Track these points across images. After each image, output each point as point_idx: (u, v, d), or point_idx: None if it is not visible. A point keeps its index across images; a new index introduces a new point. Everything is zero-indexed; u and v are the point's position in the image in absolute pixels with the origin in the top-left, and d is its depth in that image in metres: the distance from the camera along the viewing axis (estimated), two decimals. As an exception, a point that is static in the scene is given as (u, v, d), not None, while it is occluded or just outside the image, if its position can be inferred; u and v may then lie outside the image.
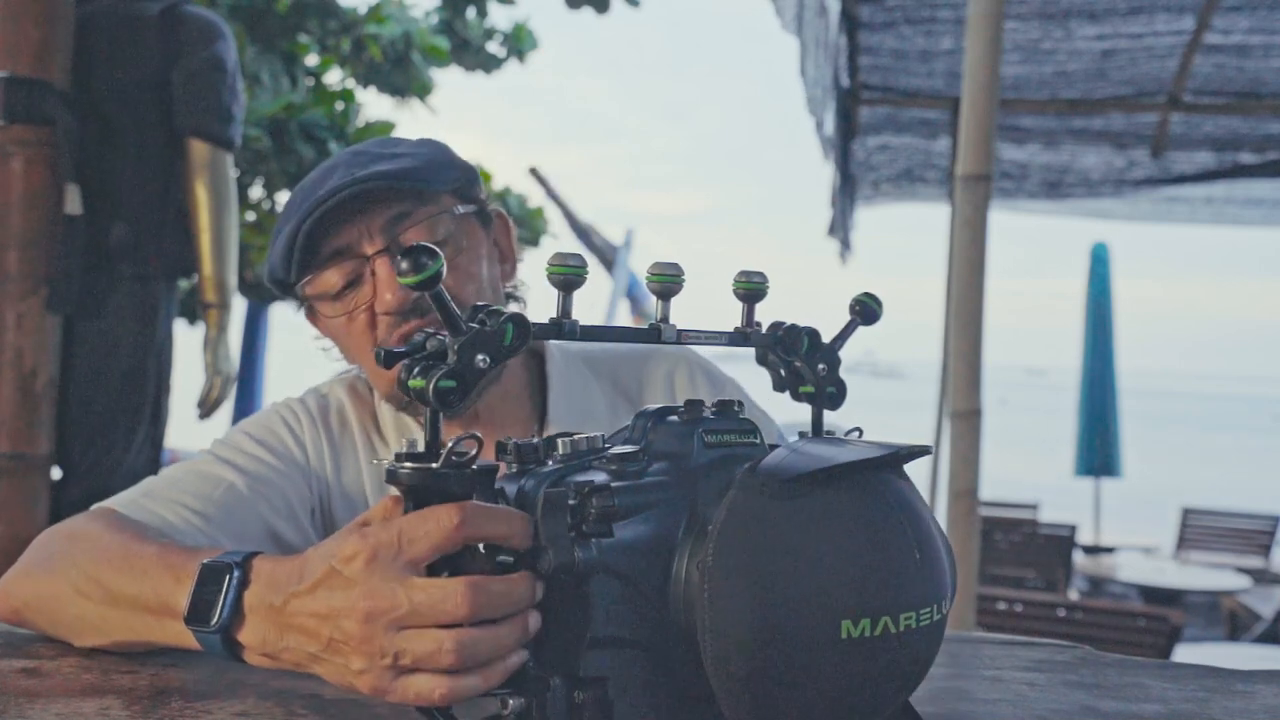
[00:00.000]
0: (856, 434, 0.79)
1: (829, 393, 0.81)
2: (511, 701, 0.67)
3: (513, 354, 0.67)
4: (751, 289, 0.77)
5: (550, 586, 0.67)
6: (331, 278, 1.11)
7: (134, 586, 0.86)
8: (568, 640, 0.67)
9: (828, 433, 0.80)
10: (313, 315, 1.19)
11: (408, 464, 0.67)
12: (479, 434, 0.70)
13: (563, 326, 0.70)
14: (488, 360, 0.66)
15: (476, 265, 1.15)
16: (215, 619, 0.76)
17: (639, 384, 1.27)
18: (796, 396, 0.82)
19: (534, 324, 0.69)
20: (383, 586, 0.67)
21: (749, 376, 1.25)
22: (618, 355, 1.29)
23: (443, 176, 1.14)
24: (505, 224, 1.24)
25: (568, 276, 0.69)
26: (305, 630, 0.71)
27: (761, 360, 0.82)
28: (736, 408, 0.75)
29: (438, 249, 0.65)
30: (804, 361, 0.81)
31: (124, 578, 0.88)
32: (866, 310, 0.82)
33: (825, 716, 0.63)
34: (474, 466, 0.68)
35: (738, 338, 0.78)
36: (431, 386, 0.65)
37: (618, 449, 0.71)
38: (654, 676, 0.67)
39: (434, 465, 0.67)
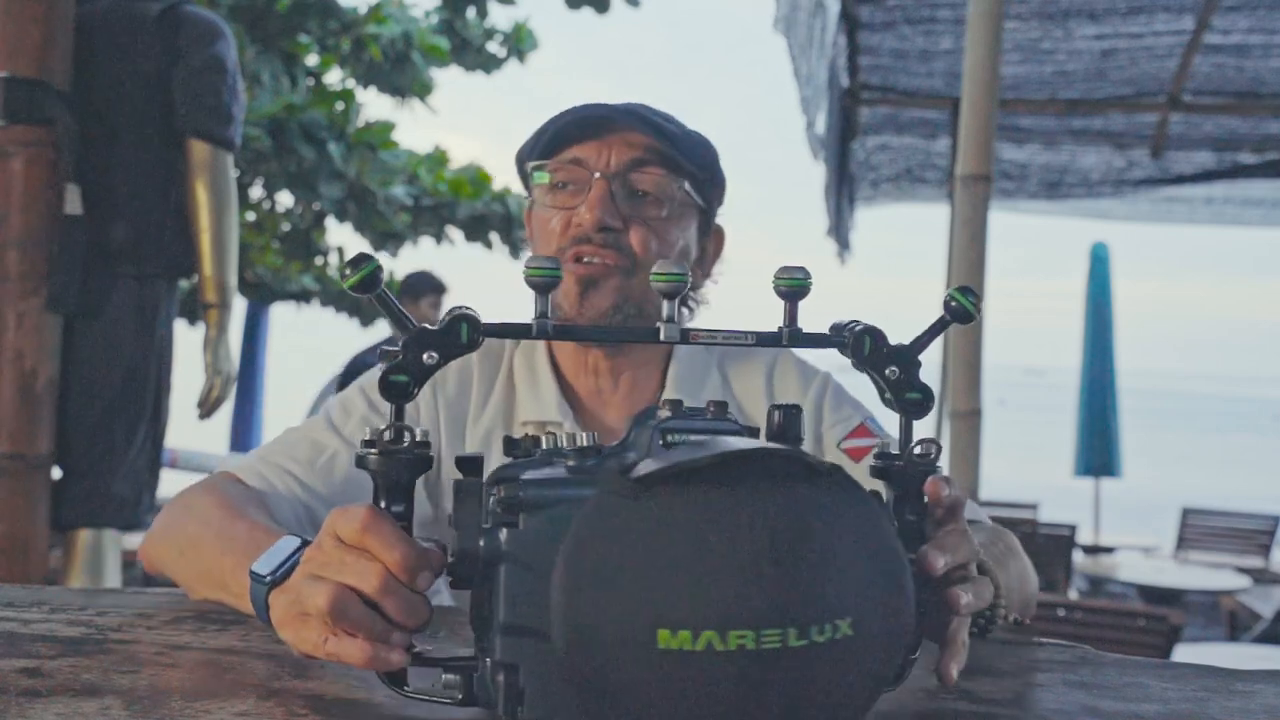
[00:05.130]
0: (934, 449, 0.75)
1: (909, 400, 0.75)
2: (446, 676, 0.72)
3: (468, 351, 0.72)
4: (794, 286, 0.73)
5: (468, 571, 0.70)
6: (558, 170, 1.21)
7: (215, 561, 1.00)
8: (487, 625, 0.69)
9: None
10: (529, 198, 1.28)
11: (371, 450, 0.73)
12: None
13: (534, 327, 0.73)
14: (435, 357, 0.71)
15: (673, 237, 1.22)
16: (270, 575, 0.83)
17: (739, 377, 1.32)
18: (885, 403, 0.77)
19: (508, 324, 0.74)
20: (322, 540, 0.75)
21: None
22: (730, 348, 1.33)
23: (697, 162, 1.23)
24: (720, 242, 1.33)
25: (543, 279, 0.73)
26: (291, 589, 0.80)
27: (858, 365, 0.78)
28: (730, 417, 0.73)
29: (374, 256, 0.71)
30: (867, 365, 0.75)
31: (214, 551, 1.01)
32: (960, 310, 0.75)
33: None
34: (428, 452, 0.73)
35: (769, 338, 0.75)
36: (380, 380, 0.71)
37: (577, 445, 0.71)
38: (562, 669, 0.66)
39: (373, 451, 0.72)
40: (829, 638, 0.59)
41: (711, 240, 1.31)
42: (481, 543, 0.68)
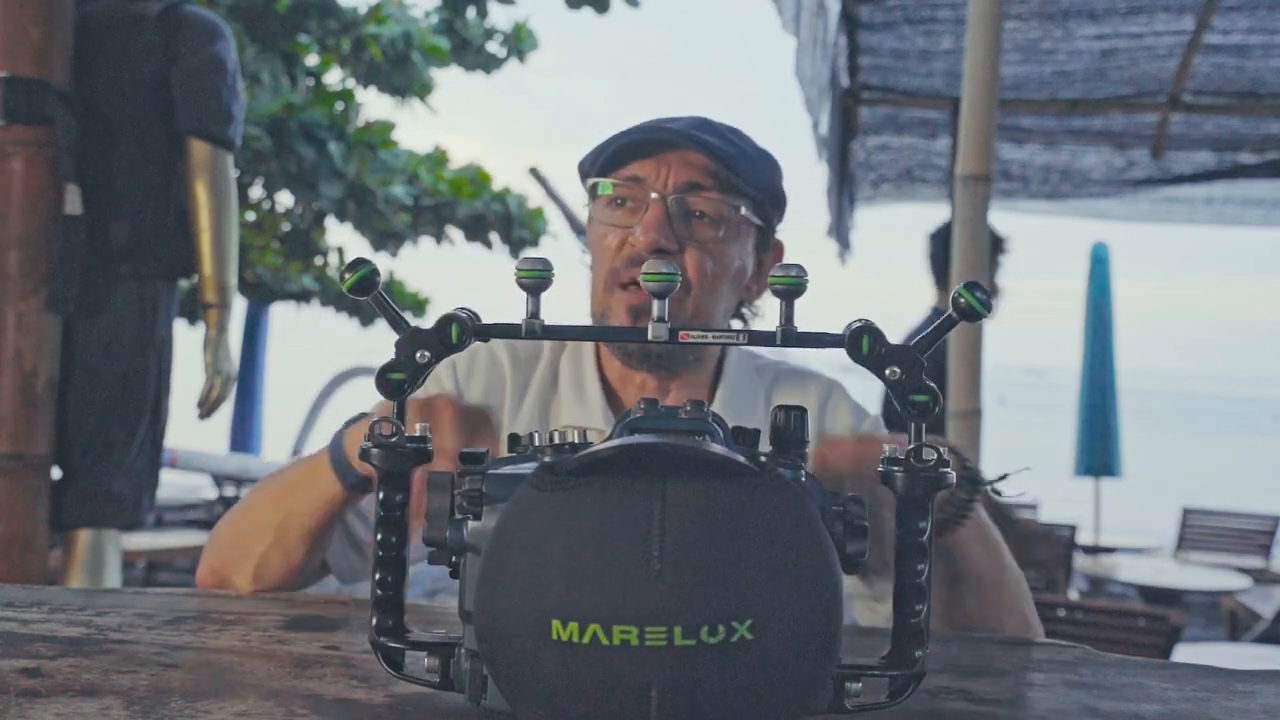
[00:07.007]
0: (940, 452, 0.70)
1: (913, 402, 0.71)
2: (427, 660, 0.74)
3: (458, 350, 0.74)
4: (790, 284, 0.71)
5: (437, 560, 0.74)
6: (617, 186, 1.22)
7: (284, 481, 1.11)
8: (460, 613, 0.73)
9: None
10: (589, 213, 1.29)
11: (375, 445, 0.76)
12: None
13: (523, 328, 0.74)
14: (427, 355, 0.74)
15: (728, 259, 1.22)
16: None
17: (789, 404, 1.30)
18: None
19: (498, 324, 0.75)
20: None
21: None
22: (780, 370, 1.34)
23: (756, 183, 1.22)
24: (779, 256, 1.33)
25: (536, 280, 0.74)
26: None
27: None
28: (710, 416, 0.73)
29: (371, 261, 0.73)
30: (865, 366, 0.72)
31: (279, 483, 1.12)
32: (968, 308, 0.70)
33: (549, 718, 0.61)
34: (423, 445, 0.76)
35: (764, 338, 0.73)
36: (377, 377, 0.74)
37: (558, 440, 0.72)
38: None
39: (369, 445, 0.76)
40: (721, 640, 0.57)
41: (770, 255, 1.30)
42: (448, 533, 0.72)
